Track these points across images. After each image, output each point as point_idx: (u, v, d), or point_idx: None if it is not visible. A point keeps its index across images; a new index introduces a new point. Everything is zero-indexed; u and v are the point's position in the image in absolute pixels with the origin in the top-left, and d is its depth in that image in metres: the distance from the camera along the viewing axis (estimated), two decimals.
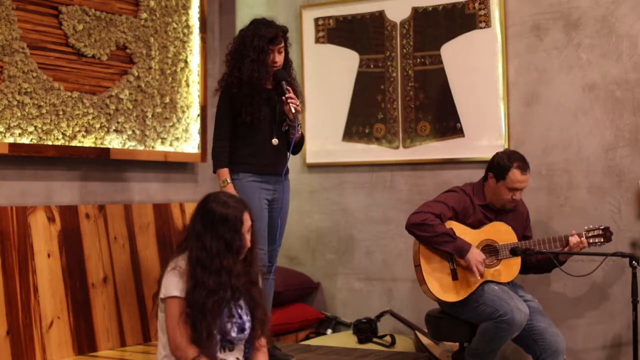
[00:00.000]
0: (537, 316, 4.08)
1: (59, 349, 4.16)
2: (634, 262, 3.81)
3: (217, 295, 3.09)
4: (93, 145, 4.53)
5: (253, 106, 3.92)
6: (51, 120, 4.32)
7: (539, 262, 4.24)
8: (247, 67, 3.91)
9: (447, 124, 5.03)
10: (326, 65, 5.41)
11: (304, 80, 5.43)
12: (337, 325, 5.31)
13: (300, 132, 4.04)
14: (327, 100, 5.40)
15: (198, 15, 5.18)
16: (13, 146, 4.12)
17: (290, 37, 4.10)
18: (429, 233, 4.06)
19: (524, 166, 4.13)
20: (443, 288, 4.09)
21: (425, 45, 5.10)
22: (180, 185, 5.20)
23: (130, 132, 4.73)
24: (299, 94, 4.06)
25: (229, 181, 3.94)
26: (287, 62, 4.07)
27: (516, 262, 4.17)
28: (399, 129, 5.17)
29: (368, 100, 5.26)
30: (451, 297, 4.09)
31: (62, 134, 4.38)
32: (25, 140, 4.20)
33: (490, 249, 4.14)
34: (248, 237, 3.20)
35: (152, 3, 4.87)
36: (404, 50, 5.16)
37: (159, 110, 4.91)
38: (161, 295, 3.17)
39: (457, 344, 4.43)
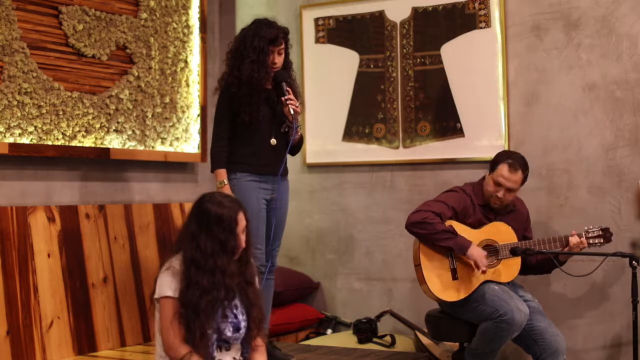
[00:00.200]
0: (537, 316, 4.08)
1: (59, 349, 4.16)
2: (634, 262, 3.81)
3: (210, 295, 3.10)
4: (93, 145, 4.53)
5: (252, 106, 3.92)
6: (51, 120, 4.32)
7: (539, 262, 4.24)
8: (246, 67, 3.91)
9: (447, 124, 5.03)
10: (326, 65, 5.41)
11: (304, 80, 5.43)
12: (337, 325, 5.31)
13: (299, 134, 4.03)
14: (327, 100, 5.40)
15: (198, 15, 5.18)
16: (13, 146, 4.12)
17: (290, 37, 4.10)
18: (428, 231, 4.05)
19: (514, 165, 4.10)
20: (443, 287, 4.09)
21: (425, 45, 5.10)
22: (180, 185, 5.20)
23: (130, 132, 4.73)
24: (298, 95, 4.06)
25: (225, 182, 3.94)
26: (287, 63, 4.07)
27: (516, 262, 4.16)
28: (399, 129, 5.17)
29: (368, 100, 5.26)
30: (451, 296, 4.09)
31: (62, 134, 4.38)
32: (25, 140, 4.20)
33: (490, 249, 4.14)
34: (243, 237, 3.21)
35: (152, 3, 4.87)
36: (404, 50, 5.16)
37: (159, 110, 4.91)
38: (155, 296, 3.19)
39: (457, 344, 4.43)
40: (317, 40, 5.45)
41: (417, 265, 4.14)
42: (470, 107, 4.97)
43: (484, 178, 4.25)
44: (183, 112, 5.07)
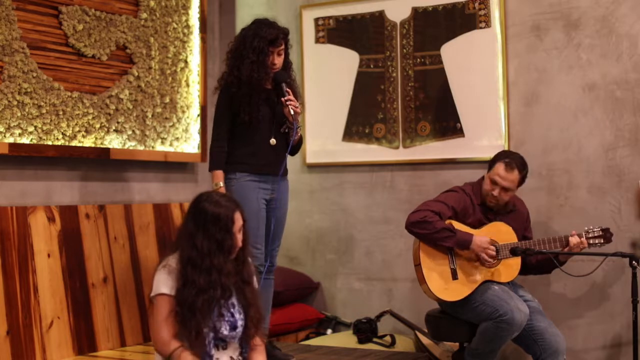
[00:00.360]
0: (537, 316, 4.08)
1: (59, 349, 4.16)
2: (634, 262, 3.81)
3: (206, 294, 3.11)
4: (93, 145, 4.53)
5: (251, 106, 3.93)
6: (51, 120, 4.32)
7: (539, 262, 4.24)
8: (246, 67, 3.91)
9: (447, 124, 5.03)
10: (326, 65, 5.41)
11: (304, 80, 5.43)
12: (337, 325, 5.31)
13: (299, 134, 4.03)
14: (327, 100, 5.40)
15: (198, 15, 5.18)
16: (13, 146, 4.12)
17: (290, 37, 4.10)
18: (428, 230, 4.05)
19: (511, 164, 4.10)
20: (443, 287, 4.09)
21: (425, 45, 5.10)
22: (180, 185, 5.20)
23: (130, 132, 4.73)
24: (298, 96, 4.06)
25: (221, 184, 3.94)
26: (287, 63, 4.07)
27: (516, 262, 4.16)
28: (399, 129, 5.17)
29: (368, 100, 5.26)
30: (451, 296, 4.09)
31: (62, 134, 4.38)
32: (25, 140, 4.20)
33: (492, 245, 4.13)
34: (239, 236, 3.21)
35: (152, 3, 4.87)
36: (404, 50, 5.16)
37: (159, 110, 4.91)
38: (151, 294, 3.20)
39: (457, 344, 4.43)
40: (317, 40, 5.45)
41: (417, 265, 4.14)
42: (470, 107, 4.97)
43: (483, 178, 4.25)
44: (183, 112, 5.07)
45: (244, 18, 5.37)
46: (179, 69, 5.05)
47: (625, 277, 4.30)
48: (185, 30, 5.10)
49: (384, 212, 5.23)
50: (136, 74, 4.77)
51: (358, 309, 5.26)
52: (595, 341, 4.62)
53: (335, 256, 5.40)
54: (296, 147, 4.11)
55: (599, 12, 4.62)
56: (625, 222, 4.54)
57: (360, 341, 4.82)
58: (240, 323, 3.21)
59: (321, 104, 5.41)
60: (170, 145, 5.00)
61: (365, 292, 5.30)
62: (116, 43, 4.68)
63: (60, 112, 4.37)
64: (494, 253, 4.04)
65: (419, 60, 5.12)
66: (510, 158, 4.14)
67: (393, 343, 4.76)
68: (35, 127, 4.25)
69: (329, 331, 5.24)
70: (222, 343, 3.21)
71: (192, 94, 5.14)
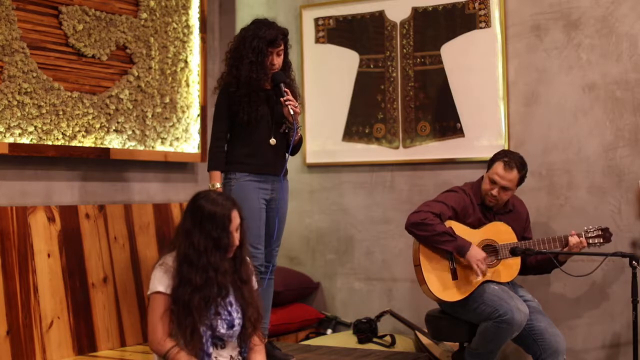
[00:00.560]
0: (537, 316, 4.08)
1: (59, 349, 4.16)
2: (634, 262, 3.81)
3: (202, 292, 3.12)
4: (93, 145, 4.53)
5: (250, 106, 3.93)
6: (51, 120, 4.32)
7: (538, 262, 4.24)
8: (245, 67, 3.91)
9: (447, 124, 5.03)
10: (326, 65, 5.41)
11: (304, 80, 5.43)
12: (337, 325, 5.31)
13: (299, 134, 4.03)
14: (327, 100, 5.40)
15: (198, 15, 5.18)
16: (13, 146, 4.12)
17: (290, 37, 4.10)
18: (428, 232, 4.05)
19: (509, 164, 4.10)
20: (443, 288, 4.09)
21: (425, 45, 5.10)
22: (180, 185, 5.20)
23: (130, 132, 4.73)
24: (297, 96, 4.06)
25: (218, 186, 3.94)
26: (287, 63, 4.07)
27: (516, 262, 4.16)
28: (399, 129, 5.17)
29: (368, 100, 5.27)
30: (451, 296, 4.09)
31: (62, 134, 4.38)
32: (25, 140, 4.20)
33: (490, 249, 4.13)
34: (237, 235, 3.21)
35: (152, 3, 4.87)
36: (404, 50, 5.16)
37: (159, 110, 4.91)
38: (148, 292, 3.20)
39: (457, 344, 4.43)
40: (317, 40, 5.45)
41: (417, 266, 4.13)
42: (470, 107, 4.97)
43: (482, 178, 4.25)
44: (183, 112, 5.07)
45: (244, 18, 5.37)
46: (179, 69, 5.05)
47: (625, 277, 4.30)
48: (185, 30, 5.10)
49: (384, 212, 5.23)
50: (136, 74, 4.77)
51: (358, 309, 5.26)
52: (595, 341, 4.62)
53: (335, 256, 5.40)
54: (296, 147, 4.11)
55: (599, 12, 4.62)
56: (625, 222, 4.54)
57: (360, 341, 4.82)
58: (237, 322, 3.21)
59: (321, 104, 5.41)
60: (170, 145, 5.00)
61: (365, 292, 5.30)
62: (116, 43, 4.68)
63: (60, 112, 4.37)
64: (485, 270, 4.03)
65: (419, 60, 5.12)
66: (509, 157, 4.14)
67: (393, 343, 4.76)
68: (35, 127, 4.25)
69: (329, 331, 5.24)
70: (220, 342, 3.21)
71: (192, 94, 5.14)
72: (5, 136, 4.11)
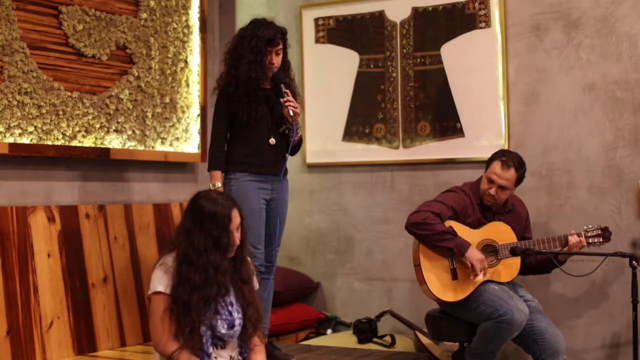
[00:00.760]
0: (537, 316, 4.08)
1: (59, 349, 4.16)
2: (634, 262, 3.81)
3: (201, 292, 3.12)
4: (93, 145, 4.54)
5: (250, 106, 3.93)
6: (51, 120, 4.32)
7: (538, 262, 4.24)
8: (244, 67, 3.91)
9: (447, 124, 5.03)
10: (326, 65, 5.41)
11: (304, 80, 5.43)
12: (337, 325, 5.31)
13: (299, 135, 4.03)
14: (327, 100, 5.40)
15: (198, 15, 5.18)
16: (13, 146, 4.12)
17: (290, 37, 4.10)
18: (428, 231, 4.05)
19: (507, 163, 4.10)
20: (443, 288, 4.09)
21: (425, 45, 5.10)
22: (180, 185, 5.20)
23: (130, 132, 4.73)
24: (297, 95, 4.06)
25: (219, 185, 3.94)
26: (286, 63, 4.07)
27: (516, 262, 4.16)
28: (399, 129, 5.17)
29: (368, 100, 5.27)
30: (451, 296, 4.09)
31: (62, 134, 4.38)
32: (25, 140, 4.20)
33: (490, 249, 4.13)
34: (237, 234, 3.21)
35: (152, 3, 4.87)
36: (404, 50, 5.16)
37: (159, 110, 4.91)
38: (148, 292, 3.21)
39: (457, 344, 4.43)
40: (317, 40, 5.45)
41: (417, 266, 4.13)
42: (470, 107, 4.97)
43: (482, 177, 4.25)
44: (183, 112, 5.07)
45: (244, 18, 5.37)
46: (179, 69, 5.05)
47: (625, 277, 4.30)
48: (185, 30, 5.10)
49: (384, 212, 5.23)
50: (136, 74, 4.77)
51: (358, 309, 5.27)
52: (595, 341, 4.62)
53: (335, 256, 5.40)
54: (296, 147, 4.11)
55: (599, 12, 4.62)
56: (625, 222, 4.54)
57: (360, 341, 4.82)
58: (238, 322, 3.21)
59: (321, 104, 5.41)
60: (170, 145, 5.00)
61: (365, 292, 5.30)
62: (116, 43, 4.68)
63: (60, 112, 4.37)
64: (481, 273, 4.03)
65: (419, 60, 5.12)
66: (507, 157, 4.13)
67: (393, 343, 4.76)
68: (35, 127, 4.25)
69: (329, 331, 5.24)
70: (220, 342, 3.21)
71: (192, 94, 5.14)
72: (5, 136, 4.12)
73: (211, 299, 3.15)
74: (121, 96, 4.68)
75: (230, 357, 3.24)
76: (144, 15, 4.83)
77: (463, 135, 4.98)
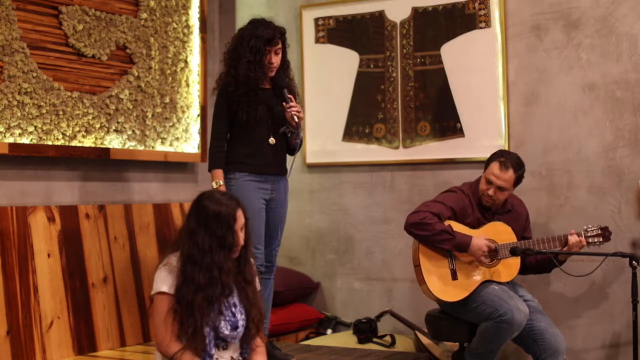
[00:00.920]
0: (537, 316, 4.07)
1: (59, 349, 4.16)
2: (634, 262, 3.81)
3: (205, 292, 3.11)
4: (93, 145, 4.54)
5: (249, 105, 3.93)
6: (51, 120, 4.32)
7: (538, 262, 4.24)
8: (243, 67, 3.91)
9: (447, 124, 5.03)
10: (326, 65, 5.41)
11: (304, 80, 5.43)
12: (337, 325, 5.31)
13: (300, 137, 4.04)
14: (327, 100, 5.40)
15: (198, 15, 5.18)
16: (13, 146, 4.12)
17: (290, 37, 4.10)
18: (427, 232, 4.05)
19: (505, 164, 4.09)
20: (443, 288, 4.09)
21: (425, 45, 5.10)
22: (180, 185, 5.20)
23: (130, 132, 4.73)
24: (297, 95, 4.07)
25: (221, 183, 3.94)
26: (285, 62, 4.07)
27: (515, 262, 4.16)
28: (399, 129, 5.17)
29: (368, 100, 5.27)
30: (451, 297, 4.09)
31: (62, 134, 4.38)
32: (25, 140, 4.20)
33: (490, 249, 4.13)
34: (241, 235, 3.21)
35: (152, 3, 4.87)
36: (404, 50, 5.16)
37: (159, 110, 4.91)
38: (152, 292, 3.20)
39: (457, 344, 4.43)
40: (317, 40, 5.45)
41: (417, 266, 4.13)
42: (470, 107, 4.97)
43: (480, 178, 4.25)
44: (183, 112, 5.07)
45: (244, 18, 5.37)
46: (179, 69, 5.05)
47: (625, 277, 4.30)
48: (185, 30, 5.10)
49: (384, 212, 5.23)
50: (136, 74, 4.77)
51: (358, 309, 5.27)
52: (595, 341, 4.62)
53: (335, 256, 5.40)
54: (296, 148, 4.11)
55: (599, 12, 4.62)
56: (625, 222, 4.54)
57: (360, 341, 4.82)
58: (241, 323, 3.21)
59: (321, 104, 5.41)
60: (170, 145, 5.00)
61: (365, 292, 5.30)
62: (116, 43, 4.68)
63: (60, 112, 4.37)
64: (485, 254, 4.03)
65: (419, 60, 5.12)
66: (506, 157, 4.13)
67: (393, 343, 4.76)
68: (35, 127, 4.25)
69: (329, 331, 5.24)
70: (222, 343, 3.21)
71: (192, 94, 5.14)
72: (5, 136, 4.12)
73: (215, 299, 3.14)
74: (121, 96, 4.68)
75: (232, 358, 3.24)
76: (144, 15, 4.83)
77: (463, 135, 4.98)
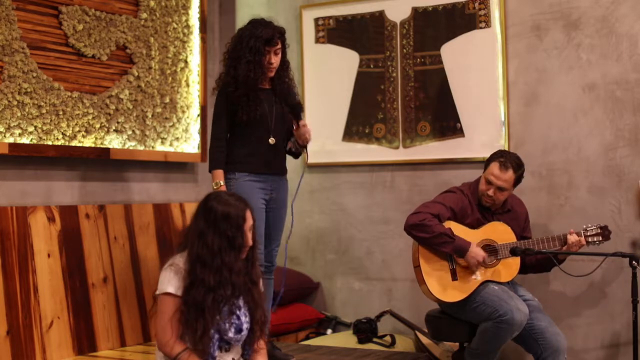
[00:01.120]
0: (538, 315, 4.07)
1: (59, 349, 4.16)
2: (634, 262, 3.81)
3: (216, 293, 3.10)
4: (93, 145, 4.54)
5: (249, 105, 3.93)
6: (51, 120, 4.32)
7: (538, 261, 4.24)
8: (242, 67, 3.91)
9: (447, 124, 5.03)
10: (326, 65, 5.41)
11: (304, 80, 5.43)
12: (337, 325, 5.31)
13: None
14: (327, 100, 5.40)
15: (198, 15, 5.18)
16: (13, 146, 4.12)
17: (290, 37, 4.10)
18: (427, 234, 4.05)
19: (505, 164, 4.09)
20: (443, 288, 4.09)
21: (425, 45, 5.10)
22: (180, 185, 5.20)
23: (130, 132, 4.73)
24: (297, 95, 4.08)
25: (221, 184, 3.94)
26: (284, 63, 4.07)
27: (515, 262, 4.16)
28: (399, 129, 5.17)
29: (368, 100, 5.27)
30: (451, 297, 4.09)
31: (62, 134, 4.38)
32: (25, 140, 4.20)
33: (490, 249, 4.13)
34: (250, 235, 3.21)
35: (152, 3, 4.87)
36: (404, 50, 5.16)
37: (159, 110, 4.91)
38: (156, 292, 3.19)
39: (457, 344, 4.43)
40: (317, 40, 5.45)
41: (417, 267, 4.13)
42: (470, 107, 4.97)
43: (480, 178, 4.25)
44: (183, 112, 5.07)
45: (243, 18, 5.36)
46: (179, 69, 5.05)
47: (625, 277, 4.30)
48: (185, 30, 5.10)
49: (383, 212, 5.23)
50: (136, 74, 4.77)
51: (358, 309, 5.27)
52: (595, 341, 4.62)
53: (335, 256, 5.40)
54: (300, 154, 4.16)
55: (599, 12, 4.62)
56: (625, 222, 4.54)
57: (360, 341, 4.82)
58: (245, 326, 3.20)
59: (321, 104, 5.41)
60: (170, 145, 5.00)
61: (365, 292, 5.30)
62: (116, 43, 4.68)
63: (60, 112, 4.37)
64: (479, 266, 4.04)
65: (419, 60, 5.12)
66: (505, 157, 4.13)
67: (393, 343, 4.76)
68: (35, 127, 4.25)
69: (329, 331, 5.24)
70: (225, 345, 3.21)
71: (192, 94, 5.14)
72: (5, 136, 4.12)
73: (225, 300, 3.14)
74: (121, 96, 4.68)
75: (233, 359, 3.23)
76: (144, 15, 4.83)
77: (463, 135, 4.98)
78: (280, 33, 3.98)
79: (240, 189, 3.92)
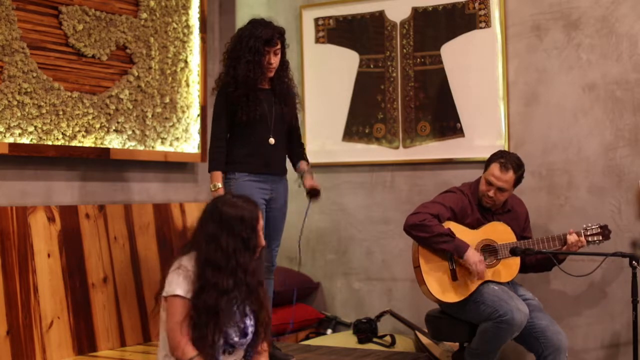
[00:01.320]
0: (538, 314, 4.07)
1: (59, 349, 4.16)
2: (634, 262, 3.81)
3: (230, 295, 3.09)
4: (93, 145, 4.54)
5: (249, 105, 3.93)
6: (51, 120, 4.32)
7: (538, 261, 4.24)
8: (242, 67, 3.91)
9: (447, 124, 5.03)
10: (326, 65, 5.41)
11: (304, 80, 5.43)
12: (337, 325, 5.31)
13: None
14: (327, 100, 5.40)
15: (198, 15, 5.18)
16: (13, 146, 4.13)
17: (290, 37, 4.11)
18: (427, 234, 4.05)
19: (505, 165, 4.09)
20: (443, 289, 4.09)
21: (425, 45, 5.10)
22: (180, 185, 5.20)
23: (130, 132, 4.73)
24: (297, 95, 4.08)
25: (219, 186, 3.94)
26: (284, 63, 4.07)
27: (515, 262, 4.16)
28: (399, 129, 5.17)
29: (368, 100, 5.27)
30: (451, 297, 4.09)
31: (62, 134, 4.38)
32: (25, 140, 4.20)
33: (490, 249, 4.13)
34: (262, 235, 3.22)
35: (152, 3, 4.87)
36: (404, 50, 5.16)
37: (159, 110, 4.91)
38: (164, 294, 3.17)
39: (457, 344, 4.43)
40: (317, 40, 5.45)
41: (417, 267, 4.13)
42: (470, 107, 4.97)
43: (480, 178, 4.25)
44: (183, 112, 5.07)
45: (243, 18, 5.36)
46: (179, 69, 5.05)
47: (625, 277, 4.30)
48: (185, 30, 5.10)
49: (383, 212, 5.23)
50: (136, 74, 4.77)
51: (358, 309, 5.26)
52: (595, 341, 4.62)
53: (335, 256, 5.40)
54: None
55: (599, 12, 4.62)
56: (625, 222, 4.54)
57: (360, 341, 4.82)
58: (250, 330, 3.20)
59: (321, 104, 5.41)
60: (170, 145, 5.00)
61: (365, 292, 5.30)
62: (116, 43, 4.68)
63: (60, 112, 4.37)
64: (483, 270, 4.03)
65: (419, 60, 5.12)
66: (506, 158, 4.13)
67: (393, 343, 4.76)
68: (35, 127, 4.25)
69: (329, 331, 5.24)
70: (230, 348, 3.20)
71: (192, 94, 5.14)
72: (5, 136, 4.12)
73: (240, 301, 3.13)
74: (121, 96, 4.68)
75: None
76: (144, 15, 4.83)
77: (463, 135, 4.98)
78: (279, 33, 3.98)
79: (240, 189, 3.92)
